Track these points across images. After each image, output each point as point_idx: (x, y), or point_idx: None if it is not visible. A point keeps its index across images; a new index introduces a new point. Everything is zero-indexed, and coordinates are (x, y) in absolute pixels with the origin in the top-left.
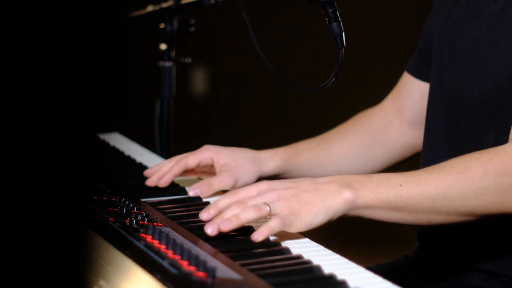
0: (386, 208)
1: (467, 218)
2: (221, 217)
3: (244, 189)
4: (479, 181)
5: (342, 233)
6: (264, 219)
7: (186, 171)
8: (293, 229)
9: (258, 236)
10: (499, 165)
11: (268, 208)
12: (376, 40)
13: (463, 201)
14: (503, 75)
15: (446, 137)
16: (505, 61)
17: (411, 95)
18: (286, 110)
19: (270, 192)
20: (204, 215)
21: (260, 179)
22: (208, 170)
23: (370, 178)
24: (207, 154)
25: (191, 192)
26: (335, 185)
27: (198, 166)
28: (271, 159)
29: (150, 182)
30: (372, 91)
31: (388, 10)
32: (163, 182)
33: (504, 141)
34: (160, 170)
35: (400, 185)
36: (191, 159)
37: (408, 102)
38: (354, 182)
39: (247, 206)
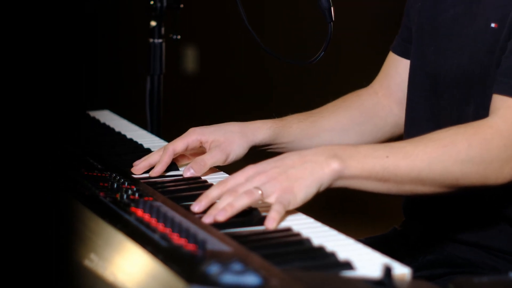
0: (372, 179)
1: (450, 190)
2: (215, 208)
3: (232, 177)
4: (464, 155)
5: (332, 207)
6: (259, 204)
7: (177, 157)
8: (291, 206)
9: (271, 223)
10: (484, 139)
11: (260, 192)
12: (366, 21)
13: (448, 174)
14: (481, 49)
15: (429, 112)
16: (482, 36)
17: (398, 73)
18: (276, 86)
19: (258, 175)
20: (196, 207)
21: (251, 149)
22: (199, 152)
23: (357, 148)
24: (194, 136)
25: (186, 173)
26: (321, 156)
27: (186, 149)
28: (260, 129)
29: (137, 170)
30: (363, 73)
31: None
32: (155, 173)
33: (483, 115)
34: (149, 158)
35: (387, 157)
36: (178, 144)
37: (396, 81)
38: (341, 152)
39: (239, 194)
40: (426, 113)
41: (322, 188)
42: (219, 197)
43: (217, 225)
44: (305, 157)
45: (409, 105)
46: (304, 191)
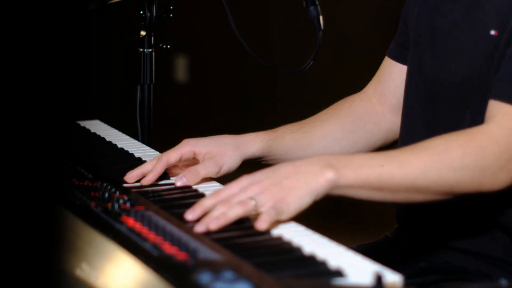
0: (367, 188)
1: (445, 197)
2: (209, 216)
3: (227, 187)
4: (459, 162)
5: (324, 214)
6: (252, 214)
7: (170, 168)
8: (285, 216)
9: (261, 224)
10: (478, 147)
11: (253, 202)
12: (358, 26)
13: (443, 182)
14: (480, 56)
15: (425, 118)
16: (481, 42)
17: (393, 79)
18: (269, 94)
19: (252, 186)
20: (189, 215)
21: (244, 162)
22: (192, 163)
23: (351, 158)
24: (187, 147)
25: (178, 182)
26: (316, 166)
27: (180, 161)
28: (253, 142)
29: (129, 178)
30: (355, 78)
31: None
32: (147, 181)
33: (480, 121)
34: (142, 168)
35: (382, 166)
36: (172, 155)
37: (390, 87)
38: (336, 162)
39: (232, 204)
40: (422, 119)
41: (318, 198)
42: (213, 207)
43: (209, 234)
44: (299, 168)
45: (405, 110)
46: (298, 201)
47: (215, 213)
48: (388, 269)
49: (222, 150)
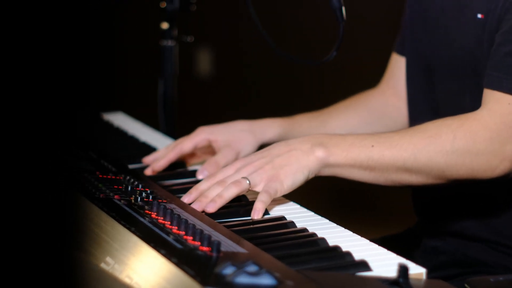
0: (358, 167)
1: (440, 181)
2: (205, 196)
3: (222, 170)
4: (449, 146)
5: (346, 207)
6: (248, 193)
7: (185, 156)
8: (279, 194)
9: (256, 214)
10: (469, 132)
11: (247, 182)
12: (376, 18)
13: (433, 164)
14: (470, 41)
15: (428, 105)
16: (471, 27)
17: (402, 72)
18: (291, 87)
19: (246, 166)
20: (185, 198)
21: (261, 147)
22: (209, 151)
23: (344, 137)
24: (202, 135)
25: (200, 175)
26: (307, 144)
27: (194, 149)
28: (269, 127)
29: (147, 172)
30: (373, 72)
31: None
32: (158, 167)
33: (479, 106)
34: (156, 156)
35: (372, 146)
36: (186, 143)
37: (401, 80)
38: (327, 140)
39: (227, 184)
40: (426, 106)
41: (310, 175)
42: (208, 189)
43: (231, 226)
44: (291, 146)
45: (409, 99)
46: (291, 177)
47: (211, 194)
48: (412, 262)
49: (238, 136)
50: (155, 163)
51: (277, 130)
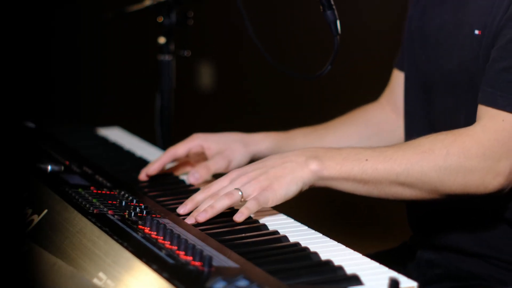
0: (351, 181)
1: (434, 196)
2: (197, 210)
3: (217, 181)
4: (442, 162)
5: (339, 221)
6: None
7: (179, 162)
8: (270, 204)
9: (238, 216)
10: (462, 148)
11: (240, 193)
12: (375, 34)
13: (426, 179)
14: (468, 57)
15: (425, 121)
16: (468, 43)
17: (402, 88)
18: (290, 101)
19: (240, 177)
20: (181, 209)
21: (253, 160)
22: (202, 159)
23: (339, 151)
24: (196, 141)
25: (191, 178)
26: (302, 156)
27: (188, 154)
28: (262, 140)
29: (141, 177)
30: (371, 87)
31: (387, 3)
32: (151, 171)
33: (474, 123)
34: (149, 165)
35: (366, 160)
36: (179, 147)
37: (401, 97)
38: (322, 154)
39: (220, 196)
40: (422, 121)
41: (304, 187)
42: (203, 200)
43: (224, 241)
44: (286, 158)
45: (406, 114)
46: (285, 188)
47: (203, 206)
48: (403, 276)
49: (231, 146)
50: (148, 166)
51: (270, 143)
